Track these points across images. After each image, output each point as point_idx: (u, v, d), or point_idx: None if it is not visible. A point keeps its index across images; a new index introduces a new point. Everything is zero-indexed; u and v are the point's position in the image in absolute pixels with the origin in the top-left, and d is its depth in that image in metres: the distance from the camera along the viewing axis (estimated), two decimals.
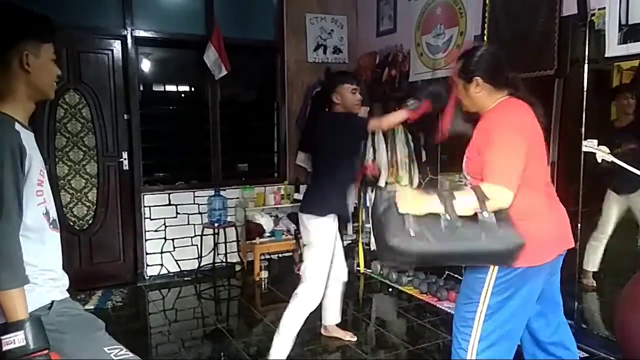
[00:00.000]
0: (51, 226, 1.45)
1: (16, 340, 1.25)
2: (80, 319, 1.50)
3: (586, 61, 2.96)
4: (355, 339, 3.20)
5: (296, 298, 2.80)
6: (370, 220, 1.75)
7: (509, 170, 1.72)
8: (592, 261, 3.49)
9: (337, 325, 3.24)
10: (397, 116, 2.69)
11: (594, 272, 3.50)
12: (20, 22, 1.38)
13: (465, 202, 1.67)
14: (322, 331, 3.25)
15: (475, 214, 1.67)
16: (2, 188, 1.26)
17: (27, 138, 1.37)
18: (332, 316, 3.20)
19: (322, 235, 2.82)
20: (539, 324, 2.06)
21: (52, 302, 1.43)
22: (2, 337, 1.26)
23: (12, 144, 1.30)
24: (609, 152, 2.82)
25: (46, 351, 1.29)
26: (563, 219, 1.98)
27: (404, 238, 1.64)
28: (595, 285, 3.51)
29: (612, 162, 2.80)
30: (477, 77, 1.91)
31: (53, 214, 1.47)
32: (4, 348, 1.25)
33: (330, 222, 2.82)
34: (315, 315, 3.21)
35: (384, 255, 1.77)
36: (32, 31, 1.39)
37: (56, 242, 1.48)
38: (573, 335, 2.14)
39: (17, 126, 1.35)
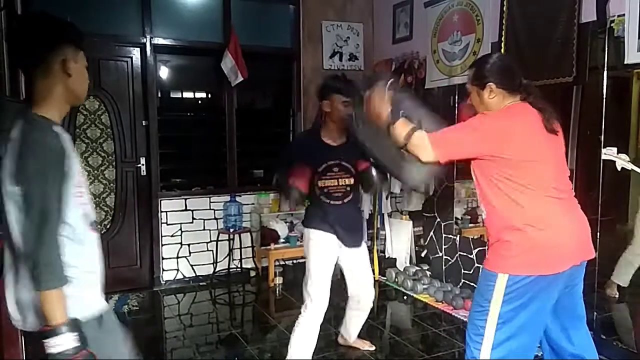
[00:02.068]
0: (91, 227, 1.45)
1: (60, 342, 1.25)
2: (118, 335, 1.50)
3: (605, 68, 2.92)
4: (373, 348, 3.17)
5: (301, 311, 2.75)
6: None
7: (453, 140, 1.90)
8: (623, 277, 3.39)
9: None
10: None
11: (619, 285, 3.42)
12: (60, 26, 1.40)
13: (400, 131, 1.91)
14: (340, 340, 3.22)
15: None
16: (46, 189, 1.26)
17: (66, 140, 1.37)
18: (348, 334, 3.14)
19: (307, 245, 2.76)
20: (559, 337, 2.02)
21: (101, 314, 1.43)
22: (46, 341, 1.26)
23: (55, 146, 1.30)
24: (628, 159, 2.78)
25: (88, 351, 1.30)
26: (581, 229, 1.94)
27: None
28: (617, 296, 3.43)
29: (633, 170, 2.76)
30: (491, 83, 1.93)
31: (92, 215, 1.47)
32: (49, 351, 1.26)
33: (313, 234, 2.73)
34: (333, 323, 3.22)
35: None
36: (71, 36, 1.41)
37: (97, 244, 1.48)
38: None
39: (56, 128, 1.35)
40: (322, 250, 2.73)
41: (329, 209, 2.71)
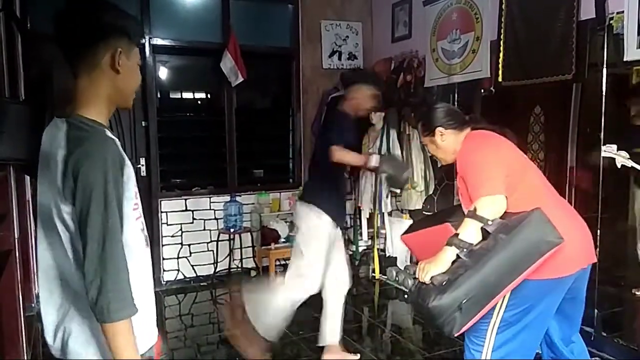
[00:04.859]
0: (146, 243, 1.28)
1: None
2: None
3: (604, 65, 2.91)
4: (357, 356, 2.99)
5: (282, 286, 2.75)
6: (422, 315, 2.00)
7: (489, 180, 1.82)
8: None
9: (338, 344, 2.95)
10: (353, 160, 2.68)
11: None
12: (115, 15, 1.22)
13: (468, 230, 1.77)
14: (324, 356, 2.92)
15: (486, 232, 1.77)
16: (107, 206, 1.09)
17: (120, 145, 1.20)
18: (330, 334, 2.89)
19: (309, 225, 2.74)
20: (557, 337, 2.03)
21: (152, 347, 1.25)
22: None
23: (113, 155, 1.13)
24: (628, 157, 2.78)
25: None
26: (584, 233, 1.93)
27: (442, 293, 1.68)
28: None
29: (632, 167, 2.75)
30: (439, 127, 2.08)
31: (144, 228, 1.29)
32: None
33: (320, 216, 2.72)
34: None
35: (440, 323, 1.70)
36: (127, 28, 1.23)
37: (149, 261, 1.31)
38: (593, 344, 2.10)
39: (108, 133, 1.19)
40: (324, 234, 2.78)
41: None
